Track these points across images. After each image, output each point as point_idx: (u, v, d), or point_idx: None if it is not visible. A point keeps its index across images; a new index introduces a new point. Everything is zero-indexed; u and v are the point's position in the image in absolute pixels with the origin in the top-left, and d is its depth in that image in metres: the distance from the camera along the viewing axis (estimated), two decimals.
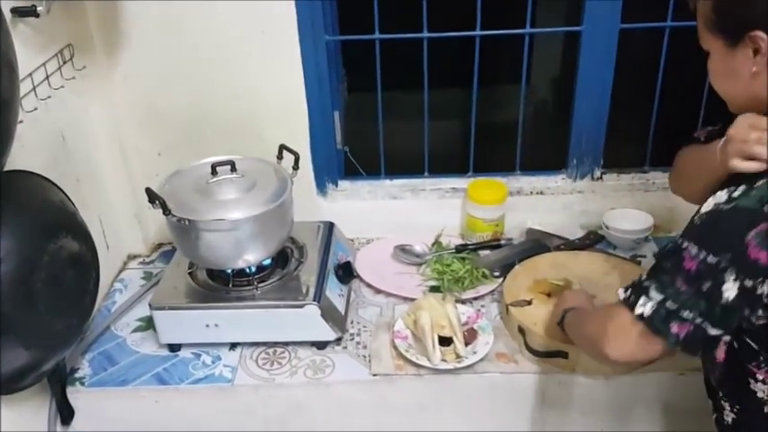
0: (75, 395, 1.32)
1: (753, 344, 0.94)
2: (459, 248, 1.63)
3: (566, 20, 1.98)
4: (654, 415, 1.34)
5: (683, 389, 1.28)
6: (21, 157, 1.16)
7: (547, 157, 1.83)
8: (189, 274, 1.42)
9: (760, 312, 0.88)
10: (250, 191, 1.32)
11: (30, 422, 1.27)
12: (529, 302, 1.40)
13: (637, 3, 1.50)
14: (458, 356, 1.31)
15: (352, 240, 1.69)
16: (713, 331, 0.90)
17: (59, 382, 1.28)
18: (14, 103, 0.99)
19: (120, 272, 1.66)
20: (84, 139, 1.48)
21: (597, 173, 1.69)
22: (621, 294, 0.97)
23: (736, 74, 0.93)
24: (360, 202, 1.71)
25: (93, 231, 1.28)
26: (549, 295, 1.41)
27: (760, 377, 0.95)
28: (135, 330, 1.47)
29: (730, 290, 0.86)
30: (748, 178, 0.89)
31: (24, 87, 1.16)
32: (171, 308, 1.35)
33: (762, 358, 0.94)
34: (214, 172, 1.33)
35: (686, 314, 0.89)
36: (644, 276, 0.95)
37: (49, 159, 1.31)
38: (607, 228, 1.62)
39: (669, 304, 0.90)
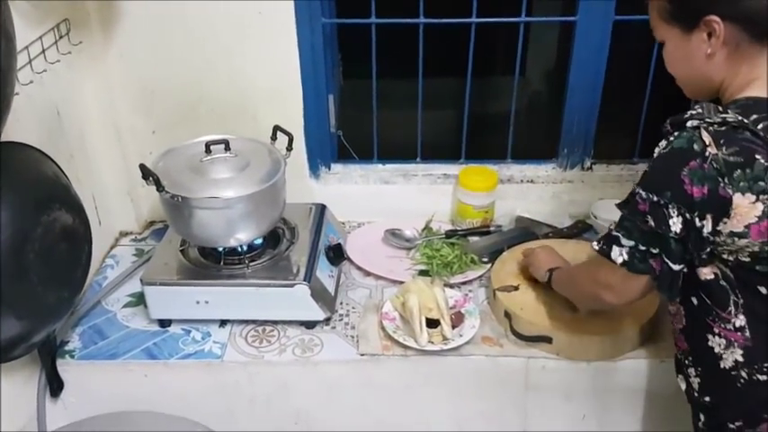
0: (64, 368, 1.34)
1: (706, 299, 1.03)
2: (449, 234, 1.65)
3: (562, 11, 1.99)
4: (635, 400, 1.37)
5: (664, 375, 1.30)
6: (15, 131, 1.17)
7: (538, 146, 1.84)
8: (181, 251, 1.43)
9: (705, 253, 0.98)
10: (243, 170, 1.33)
11: (19, 393, 1.29)
12: (516, 288, 1.43)
13: None
14: (444, 339, 1.33)
15: (344, 223, 1.71)
16: (675, 266, 1.00)
17: (49, 355, 1.30)
18: (11, 73, 0.99)
19: (112, 248, 1.67)
20: (79, 115, 1.48)
21: (587, 163, 1.71)
22: (596, 246, 1.06)
23: (692, 57, 1.00)
24: (352, 186, 1.72)
25: (86, 207, 1.29)
26: (536, 281, 1.43)
27: (716, 331, 1.03)
28: (126, 306, 1.48)
29: (676, 223, 0.95)
30: (679, 125, 0.97)
31: (21, 60, 1.16)
32: (162, 283, 1.36)
33: (715, 313, 1.02)
34: (208, 150, 1.34)
35: (655, 251, 0.99)
36: (612, 227, 1.04)
37: (44, 134, 1.32)
38: (595, 217, 1.64)
39: (640, 246, 1.00)
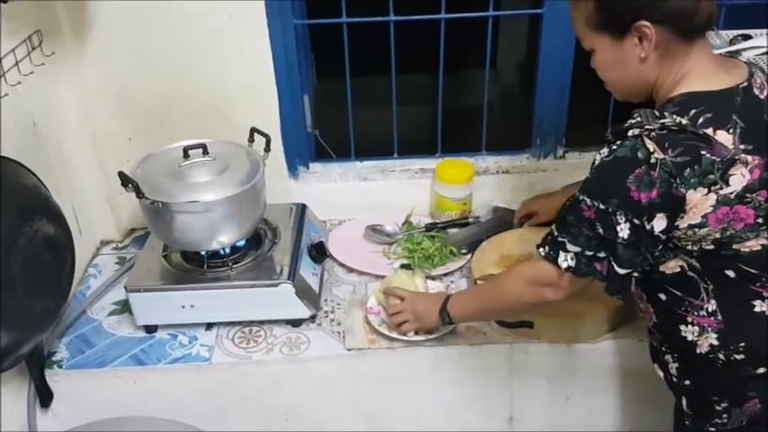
0: (53, 378, 1.34)
1: (676, 292, 1.05)
2: (429, 227, 1.68)
3: (531, 4, 2.03)
4: (616, 380, 1.42)
5: (643, 354, 1.33)
6: None
7: (513, 137, 1.88)
8: (163, 257, 1.44)
9: (658, 251, 1.00)
10: (222, 173, 1.34)
11: (9, 406, 1.29)
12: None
13: None
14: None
15: (325, 222, 1.73)
16: (621, 270, 1.01)
17: (37, 365, 1.30)
18: None
19: (94, 257, 1.67)
20: (55, 126, 1.48)
21: (560, 152, 1.75)
22: (542, 252, 1.08)
23: (625, 62, 1.02)
24: (331, 184, 1.74)
25: (66, 217, 1.29)
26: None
27: (689, 320, 1.06)
28: (111, 314, 1.49)
29: (624, 229, 0.98)
30: (620, 134, 0.98)
31: None
32: (146, 290, 1.37)
33: (687, 303, 1.05)
34: (186, 155, 1.35)
35: (602, 255, 1.01)
36: (555, 231, 1.06)
37: (21, 146, 1.32)
38: None
39: (586, 252, 1.02)
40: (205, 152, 1.36)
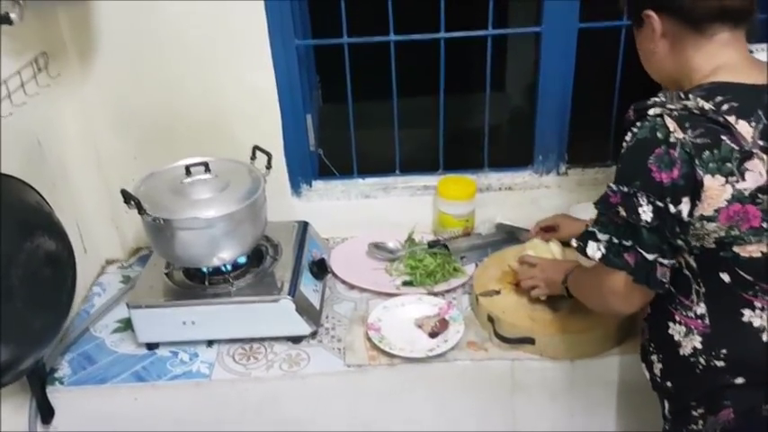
0: (54, 395, 1.34)
1: (670, 288, 1.04)
2: (432, 244, 1.68)
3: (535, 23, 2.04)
4: (620, 396, 1.40)
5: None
6: None
7: (516, 154, 1.88)
8: (165, 274, 1.45)
9: (679, 233, 0.97)
10: (224, 190, 1.36)
11: (10, 421, 1.29)
12: (497, 292, 1.45)
13: (596, 2, 1.56)
14: None
15: (328, 239, 1.73)
16: (648, 256, 0.99)
17: (39, 382, 1.30)
18: None
19: (99, 276, 1.68)
20: (60, 145, 1.51)
21: (562, 168, 1.75)
22: (574, 243, 1.07)
23: (645, 52, 1.07)
24: (334, 202, 1.75)
25: (70, 236, 1.31)
26: (517, 285, 1.45)
27: (677, 318, 1.06)
28: (114, 331, 1.50)
29: (646, 212, 0.96)
30: (641, 112, 0.99)
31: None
32: (148, 306, 1.38)
33: (678, 300, 1.05)
34: (188, 173, 1.37)
35: (628, 243, 1.00)
36: (589, 225, 1.06)
37: (25, 164, 1.34)
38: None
39: (614, 240, 1.01)
40: (207, 170, 1.38)
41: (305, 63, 1.67)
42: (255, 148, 1.47)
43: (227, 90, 1.58)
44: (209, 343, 1.43)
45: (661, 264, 1.00)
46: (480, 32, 1.61)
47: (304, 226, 1.61)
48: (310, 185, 1.76)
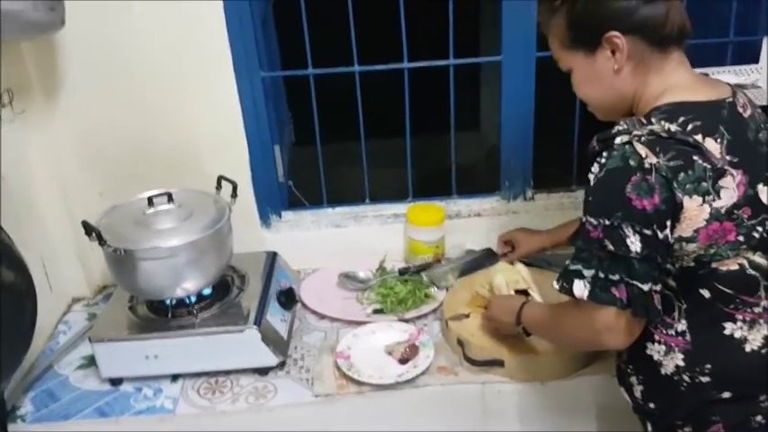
0: None
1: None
2: (402, 271, 1.67)
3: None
4: (593, 418, 1.37)
5: (617, 390, 1.30)
6: None
7: (486, 182, 1.89)
8: (129, 308, 1.43)
9: (667, 257, 0.96)
10: (187, 219, 1.35)
11: None
12: (467, 316, 1.44)
13: None
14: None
15: (299, 271, 1.72)
16: (643, 287, 0.96)
17: (0, 419, 1.27)
18: None
19: (65, 314, 1.65)
20: (25, 181, 1.50)
21: (529, 193, 1.76)
22: (556, 285, 1.03)
23: (600, 77, 1.03)
24: (304, 233, 1.75)
25: (35, 273, 1.29)
26: (486, 308, 1.44)
27: (656, 338, 1.04)
28: (78, 368, 1.46)
29: (634, 242, 0.93)
30: (606, 142, 0.97)
31: None
32: (110, 340, 1.35)
33: (659, 320, 1.02)
34: (151, 204, 1.36)
35: (615, 277, 0.96)
36: (569, 262, 1.02)
37: None
38: None
39: (600, 275, 0.97)
40: (170, 200, 1.38)
41: (272, 94, 1.69)
42: (221, 177, 1.47)
43: (194, 122, 1.58)
44: (174, 378, 1.40)
45: (656, 292, 0.97)
46: (442, 62, 1.64)
47: (273, 256, 1.60)
48: (280, 216, 1.76)
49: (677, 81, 1.01)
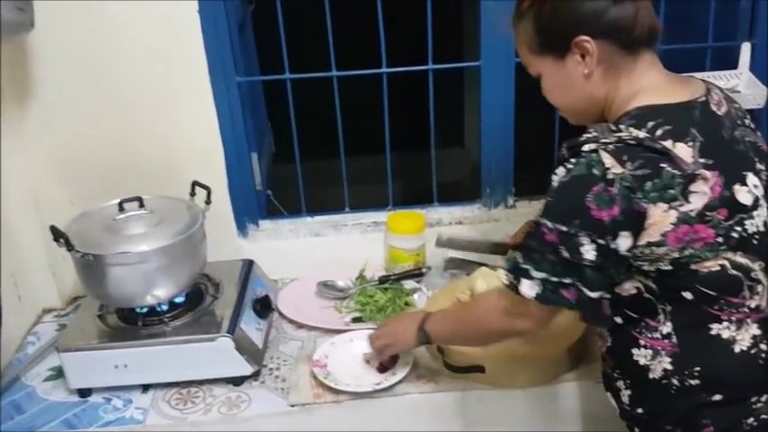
0: None
1: (633, 314, 1.00)
2: (383, 279, 1.64)
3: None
4: (576, 424, 1.34)
5: (601, 396, 1.27)
6: None
7: (466, 188, 1.88)
8: (98, 316, 1.39)
9: (618, 266, 0.95)
10: (158, 225, 1.32)
11: None
12: None
13: None
14: None
15: (276, 281, 1.68)
16: (592, 294, 0.95)
17: None
18: None
19: (35, 325, 1.60)
20: None
21: (510, 201, 1.74)
22: (505, 281, 1.02)
23: (571, 82, 1.01)
24: (282, 242, 1.71)
25: (5, 283, 1.26)
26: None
27: (642, 342, 1.01)
28: (46, 380, 1.41)
29: (589, 251, 0.92)
30: (575, 149, 0.95)
31: None
32: (78, 349, 1.31)
33: (643, 324, 1.00)
34: (121, 209, 1.33)
35: (568, 281, 0.95)
36: (519, 258, 1.00)
37: None
38: None
39: (551, 278, 0.96)
40: (141, 205, 1.35)
41: (249, 101, 1.67)
42: (195, 183, 1.44)
43: (170, 129, 1.56)
44: (145, 388, 1.36)
45: (604, 298, 0.97)
46: (421, 67, 1.63)
47: (249, 264, 1.56)
48: (257, 225, 1.72)
49: (648, 83, 0.99)
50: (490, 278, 1.47)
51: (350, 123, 1.67)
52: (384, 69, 1.61)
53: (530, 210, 1.73)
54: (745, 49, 1.59)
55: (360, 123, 1.62)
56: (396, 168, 1.75)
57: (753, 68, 1.59)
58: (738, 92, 1.56)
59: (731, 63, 1.62)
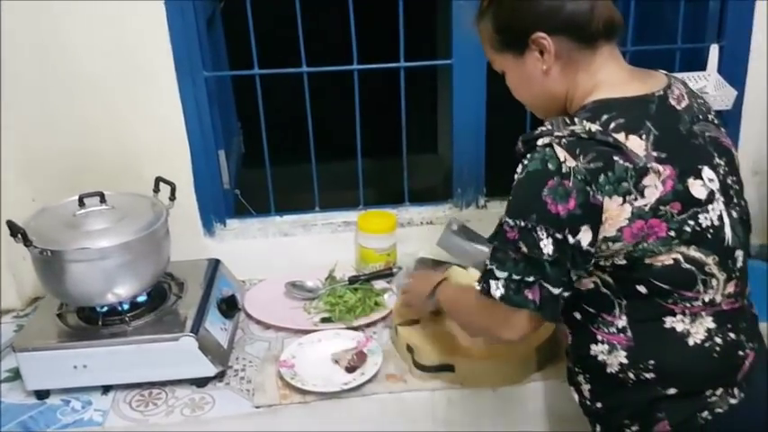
0: None
1: (590, 309, 1.01)
2: (353, 279, 1.62)
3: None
4: (546, 424, 1.33)
5: (569, 394, 1.27)
6: None
7: (437, 188, 1.87)
8: (58, 315, 1.34)
9: (580, 263, 0.94)
10: (120, 221, 1.28)
11: None
12: (417, 321, 1.39)
13: None
14: None
15: (244, 282, 1.65)
16: (555, 290, 0.95)
17: None
18: None
19: None
20: None
21: (481, 201, 1.73)
22: (477, 286, 1.01)
23: (532, 78, 1.02)
24: (250, 241, 1.68)
25: None
26: (435, 314, 1.39)
27: (599, 338, 1.01)
28: (3, 381, 1.36)
29: (547, 245, 0.92)
30: (530, 143, 0.96)
31: None
32: (35, 349, 1.26)
33: (600, 319, 1.00)
34: (82, 204, 1.29)
35: (530, 279, 0.95)
36: (486, 260, 1.00)
37: None
38: None
39: (514, 277, 0.95)
40: (103, 201, 1.31)
41: (217, 97, 1.64)
42: (158, 179, 1.41)
43: (135, 126, 1.52)
44: (105, 389, 1.32)
45: (563, 297, 0.97)
46: (393, 64, 1.61)
47: (215, 263, 1.53)
48: (224, 224, 1.69)
49: (606, 77, 0.99)
50: (463, 278, 1.45)
51: (323, 130, 1.66)
52: (355, 66, 1.60)
53: (501, 210, 1.65)
54: (714, 51, 1.61)
55: (332, 130, 1.60)
56: (368, 174, 1.74)
57: (721, 70, 1.61)
58: (707, 93, 1.58)
59: (700, 65, 1.63)
